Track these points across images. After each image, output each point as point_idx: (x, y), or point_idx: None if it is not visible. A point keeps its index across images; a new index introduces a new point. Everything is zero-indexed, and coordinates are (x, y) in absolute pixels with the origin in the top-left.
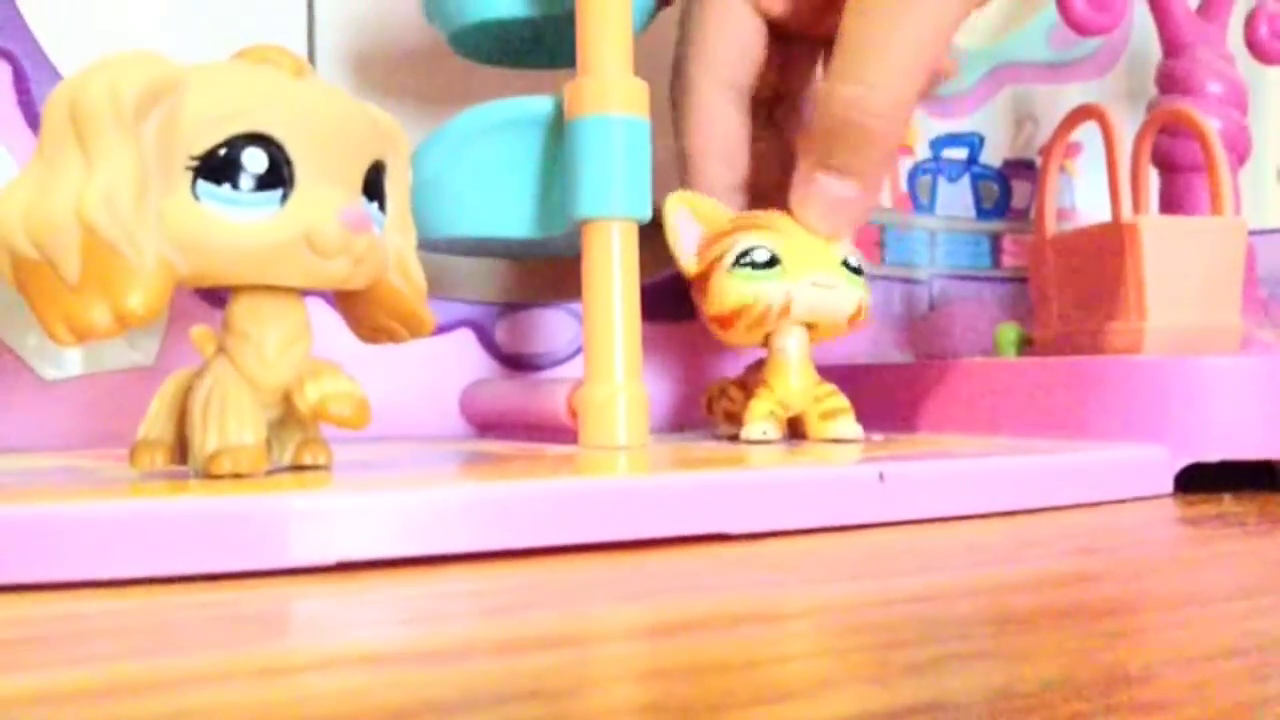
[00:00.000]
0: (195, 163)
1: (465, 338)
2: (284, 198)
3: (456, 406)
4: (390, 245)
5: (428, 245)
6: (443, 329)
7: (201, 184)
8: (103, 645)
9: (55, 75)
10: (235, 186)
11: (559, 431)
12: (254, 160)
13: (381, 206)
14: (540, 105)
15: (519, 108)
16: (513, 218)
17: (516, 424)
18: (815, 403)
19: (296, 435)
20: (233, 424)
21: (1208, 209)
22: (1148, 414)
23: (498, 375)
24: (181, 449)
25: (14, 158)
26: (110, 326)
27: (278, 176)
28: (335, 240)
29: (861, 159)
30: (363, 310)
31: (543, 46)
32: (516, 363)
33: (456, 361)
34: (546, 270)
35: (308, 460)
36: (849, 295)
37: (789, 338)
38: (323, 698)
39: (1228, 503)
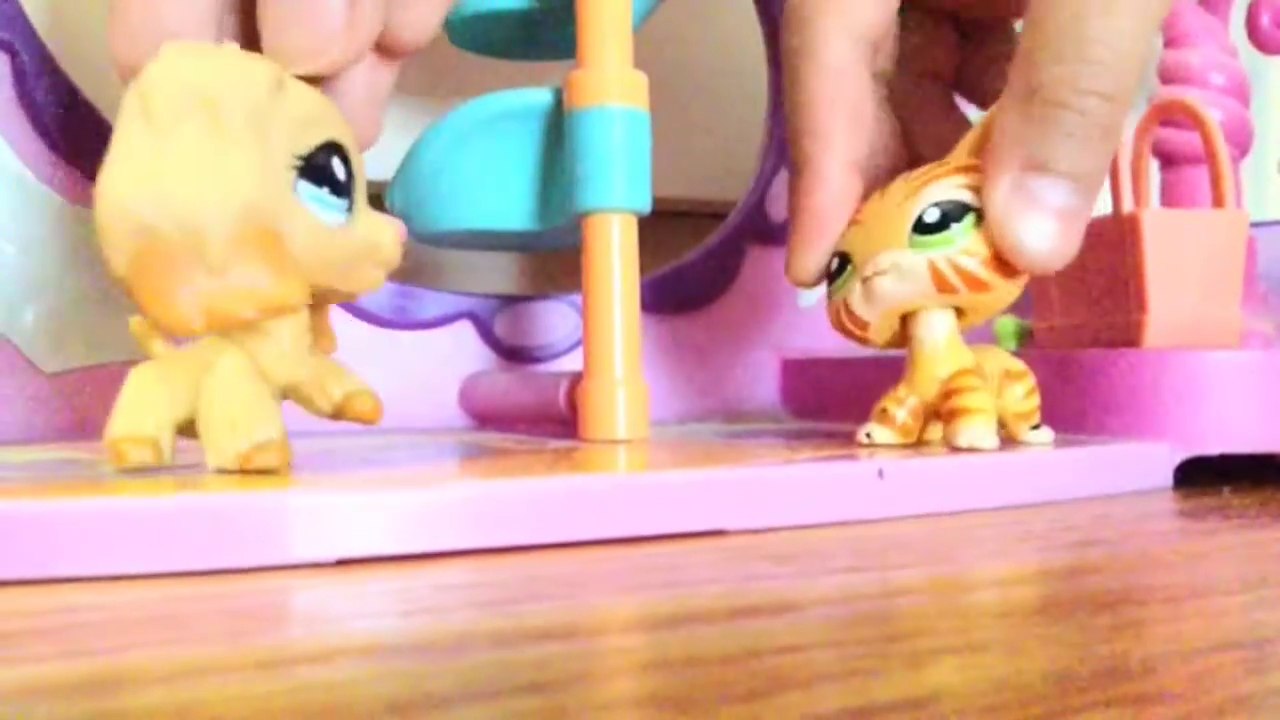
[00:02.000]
0: (300, 162)
1: (464, 330)
2: (349, 207)
3: (456, 399)
4: None
5: (427, 238)
6: (442, 321)
7: (302, 184)
8: (101, 639)
9: (54, 68)
10: (332, 191)
11: (559, 425)
12: (338, 167)
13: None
14: (539, 97)
15: (518, 100)
16: (512, 210)
17: (516, 417)
18: (943, 399)
19: None
20: (260, 419)
21: (1208, 201)
22: (1148, 407)
23: (497, 368)
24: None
25: (13, 150)
26: (256, 314)
27: (347, 186)
28: (397, 254)
29: (1087, 155)
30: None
31: (542, 38)
32: (516, 355)
33: (456, 354)
34: (546, 263)
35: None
36: (915, 270)
37: (918, 326)
38: (321, 690)
39: (1228, 496)
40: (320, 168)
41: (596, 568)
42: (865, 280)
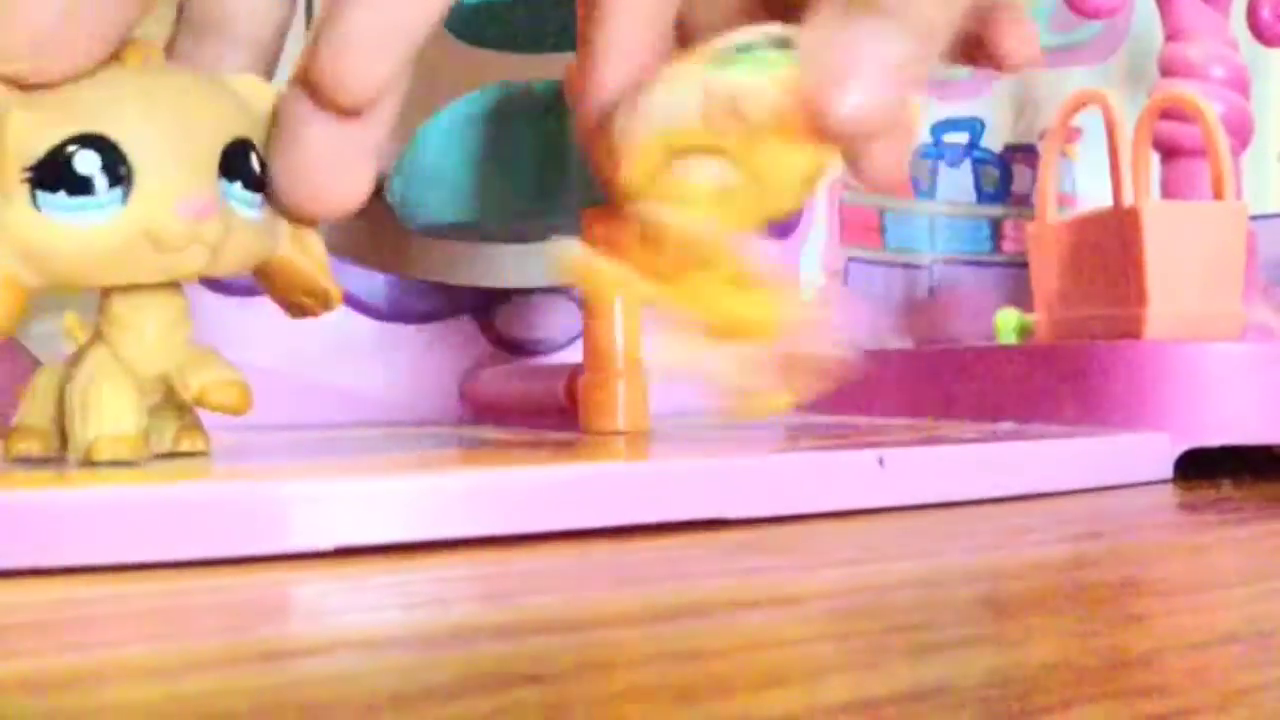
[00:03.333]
0: (29, 174)
1: (465, 323)
2: (125, 196)
3: (456, 392)
4: (281, 220)
5: (428, 231)
6: (442, 315)
7: (40, 193)
8: (102, 631)
9: None
10: (71, 192)
11: (559, 417)
12: (86, 162)
13: (250, 184)
14: (540, 89)
15: (518, 92)
16: (511, 203)
17: (516, 409)
18: None
19: (174, 422)
20: (111, 412)
21: (1209, 194)
22: (1148, 399)
23: (497, 361)
24: (61, 437)
25: None
26: None
27: (115, 175)
28: (177, 234)
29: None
30: (270, 286)
31: (541, 30)
32: (516, 348)
33: (456, 347)
34: (546, 256)
35: (185, 447)
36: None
37: None
38: (322, 682)
39: (1228, 488)
40: (57, 172)
41: (596, 560)
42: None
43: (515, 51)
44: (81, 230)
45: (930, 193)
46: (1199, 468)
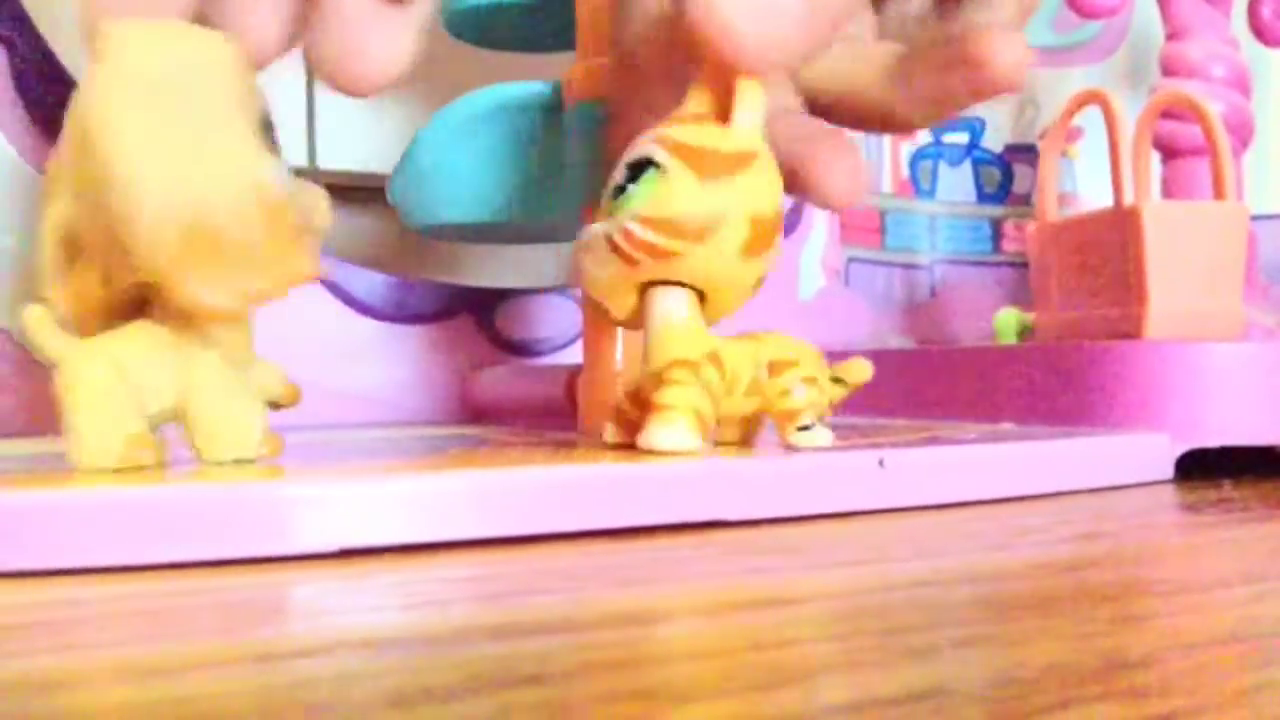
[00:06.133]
0: (264, 133)
1: (466, 324)
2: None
3: (457, 392)
4: None
5: (428, 231)
6: (443, 315)
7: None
8: (102, 631)
9: (52, 61)
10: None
11: (559, 417)
12: (277, 132)
13: None
14: (539, 90)
15: (517, 93)
16: (512, 203)
17: (517, 410)
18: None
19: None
20: (244, 427)
21: (1209, 194)
22: (1148, 399)
23: (498, 361)
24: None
25: (11, 143)
26: (282, 292)
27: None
28: (329, 220)
29: None
30: None
31: (540, 30)
32: (517, 349)
33: (457, 347)
34: (546, 256)
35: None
36: (598, 243)
37: (645, 306)
38: (323, 682)
39: (1228, 488)
40: (271, 135)
41: (596, 561)
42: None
43: (515, 51)
44: (286, 194)
45: (930, 193)
46: (1199, 468)
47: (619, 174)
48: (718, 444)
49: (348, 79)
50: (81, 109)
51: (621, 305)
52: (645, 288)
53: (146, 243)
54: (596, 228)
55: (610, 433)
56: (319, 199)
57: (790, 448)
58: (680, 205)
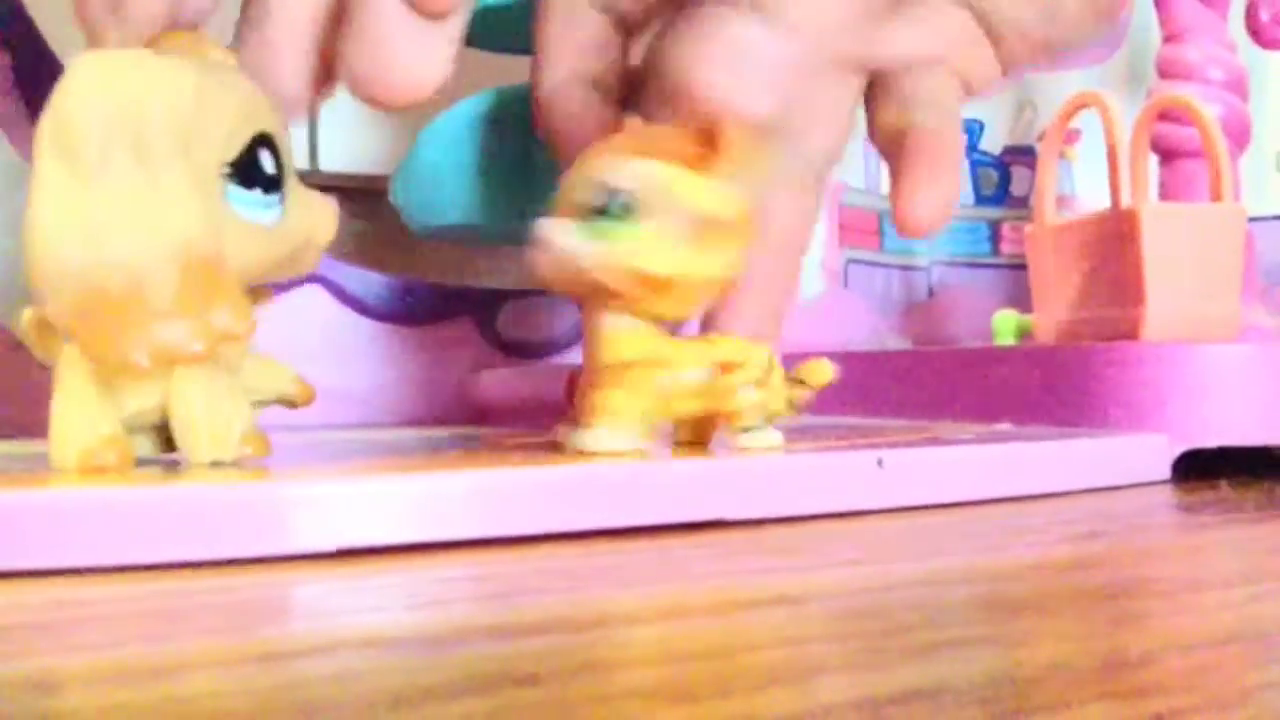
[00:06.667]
0: (229, 169)
1: (467, 325)
2: (282, 198)
3: (457, 393)
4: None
5: (429, 233)
6: (444, 316)
7: (233, 190)
8: (102, 631)
9: (53, 62)
10: (264, 189)
11: (560, 418)
12: (267, 163)
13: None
14: None
15: (521, 94)
16: (514, 205)
17: (517, 411)
18: None
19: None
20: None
21: (1207, 196)
22: (1146, 400)
23: (498, 362)
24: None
25: (11, 144)
26: (206, 348)
27: (278, 179)
28: (333, 233)
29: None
30: None
31: None
32: (518, 350)
33: (457, 349)
34: None
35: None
36: (562, 256)
37: (588, 312)
38: (323, 682)
39: (1226, 489)
40: (249, 168)
41: (596, 560)
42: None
43: (515, 53)
44: (266, 229)
45: None
46: (1197, 469)
47: (599, 192)
48: (676, 444)
49: (383, 92)
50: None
51: (569, 295)
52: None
53: (55, 306)
54: (565, 236)
55: (562, 434)
56: (324, 214)
57: (738, 448)
58: (670, 266)
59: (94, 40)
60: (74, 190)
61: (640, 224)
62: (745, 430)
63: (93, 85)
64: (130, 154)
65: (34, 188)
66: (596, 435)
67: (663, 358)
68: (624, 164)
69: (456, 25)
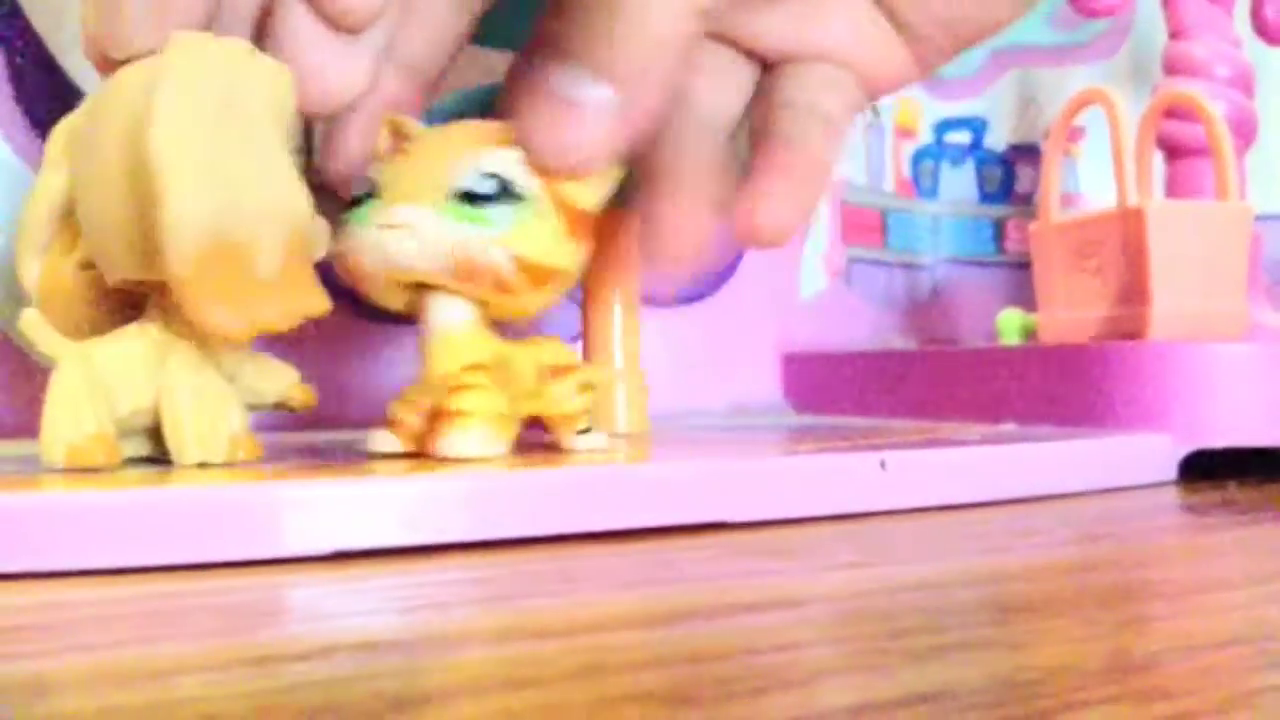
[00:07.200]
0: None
1: None
2: None
3: None
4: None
5: None
6: None
7: None
8: (96, 634)
9: (50, 62)
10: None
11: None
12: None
13: None
14: None
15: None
16: None
17: None
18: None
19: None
20: (224, 423)
21: (1213, 194)
22: (1152, 400)
23: None
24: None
25: (9, 144)
26: (290, 323)
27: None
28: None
29: (620, 46)
30: None
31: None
32: None
33: None
34: None
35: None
36: (438, 241)
37: (429, 309)
38: (319, 685)
39: (1232, 490)
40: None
41: (596, 563)
42: (379, 227)
43: (512, 51)
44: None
45: (933, 193)
46: (1203, 469)
47: (480, 180)
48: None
49: (304, 99)
50: (139, 106)
51: (393, 299)
52: (420, 285)
53: (177, 253)
54: (435, 221)
55: (381, 441)
56: (320, 232)
57: (569, 451)
58: (551, 257)
59: (111, 48)
60: (214, 160)
61: (517, 210)
62: (581, 433)
63: (222, 63)
64: (256, 133)
65: (169, 154)
66: (465, 441)
67: (503, 360)
68: (494, 151)
69: (374, 40)
